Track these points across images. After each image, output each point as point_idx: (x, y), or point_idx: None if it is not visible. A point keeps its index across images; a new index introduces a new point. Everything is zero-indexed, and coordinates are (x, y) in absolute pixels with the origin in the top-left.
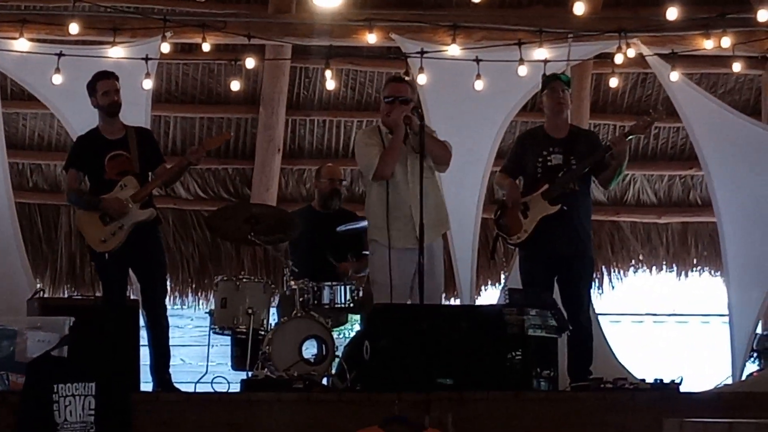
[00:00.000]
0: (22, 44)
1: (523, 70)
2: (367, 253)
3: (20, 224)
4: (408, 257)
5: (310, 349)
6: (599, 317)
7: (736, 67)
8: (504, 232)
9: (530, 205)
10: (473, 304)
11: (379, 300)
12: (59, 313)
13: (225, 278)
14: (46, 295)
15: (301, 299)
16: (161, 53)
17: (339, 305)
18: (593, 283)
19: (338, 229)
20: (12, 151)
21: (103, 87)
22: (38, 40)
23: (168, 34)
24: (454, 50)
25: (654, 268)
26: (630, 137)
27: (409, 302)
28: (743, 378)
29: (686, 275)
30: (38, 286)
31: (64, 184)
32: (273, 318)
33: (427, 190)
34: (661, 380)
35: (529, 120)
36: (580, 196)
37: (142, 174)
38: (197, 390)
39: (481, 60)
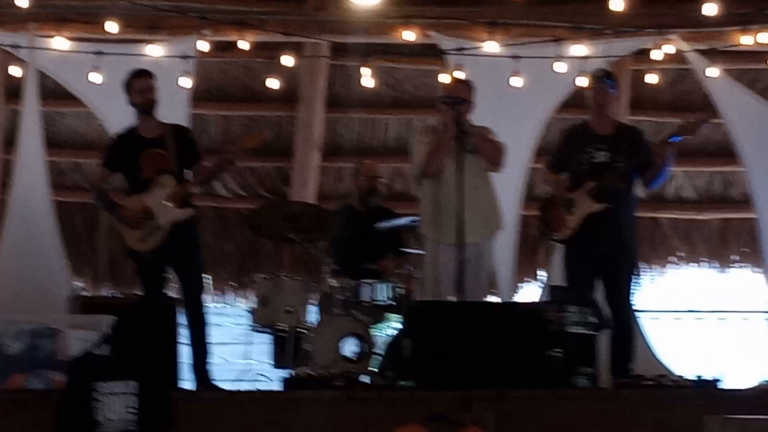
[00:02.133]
0: (60, 43)
1: (560, 67)
2: (406, 250)
3: (60, 223)
4: (455, 253)
5: (349, 347)
6: (639, 314)
7: None
8: (548, 228)
9: (575, 202)
10: (514, 301)
11: (426, 295)
12: (100, 312)
13: (265, 276)
14: (86, 294)
15: (340, 297)
16: (199, 51)
17: (378, 302)
18: (636, 282)
19: (377, 226)
20: (51, 150)
21: (138, 85)
22: (77, 39)
23: (206, 32)
24: (491, 47)
25: (693, 264)
26: (675, 139)
27: (454, 298)
28: None
29: (726, 271)
30: (79, 284)
31: None
32: (313, 316)
33: (479, 189)
34: (702, 377)
35: (568, 116)
36: (625, 194)
37: (179, 172)
38: (238, 388)
39: (518, 57)
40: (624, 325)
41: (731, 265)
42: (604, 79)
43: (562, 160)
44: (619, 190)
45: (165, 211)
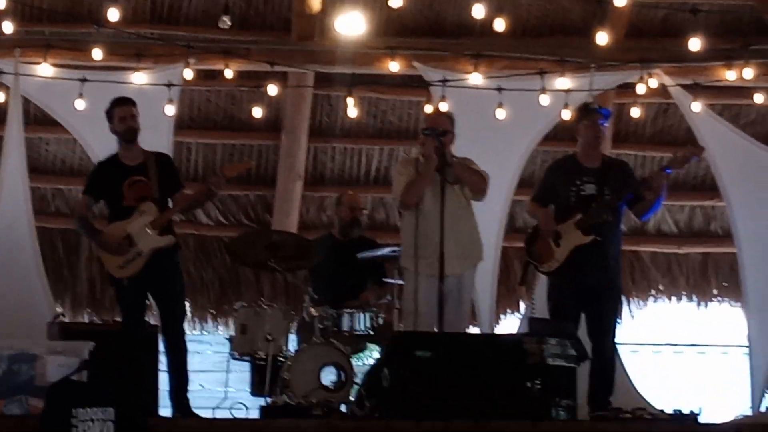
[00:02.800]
0: (45, 69)
1: (545, 100)
2: (387, 280)
3: (41, 249)
4: (436, 285)
5: (329, 376)
6: (619, 346)
7: (759, 98)
8: (535, 260)
9: (563, 233)
10: (493, 333)
11: (407, 326)
12: (79, 338)
13: (245, 304)
14: (66, 320)
15: (320, 326)
16: (184, 79)
17: (358, 332)
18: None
19: (359, 255)
20: (34, 176)
21: (120, 113)
22: (62, 66)
23: (191, 61)
24: (476, 79)
25: (674, 297)
26: (667, 171)
27: (435, 330)
28: (762, 409)
29: (706, 305)
30: (59, 310)
31: None
32: (292, 344)
33: (461, 220)
34: (681, 411)
35: (552, 149)
36: (612, 227)
37: (161, 200)
38: (216, 416)
39: (503, 89)
40: (605, 358)
41: (711, 299)
42: (598, 112)
43: (549, 192)
44: (606, 222)
45: (146, 238)
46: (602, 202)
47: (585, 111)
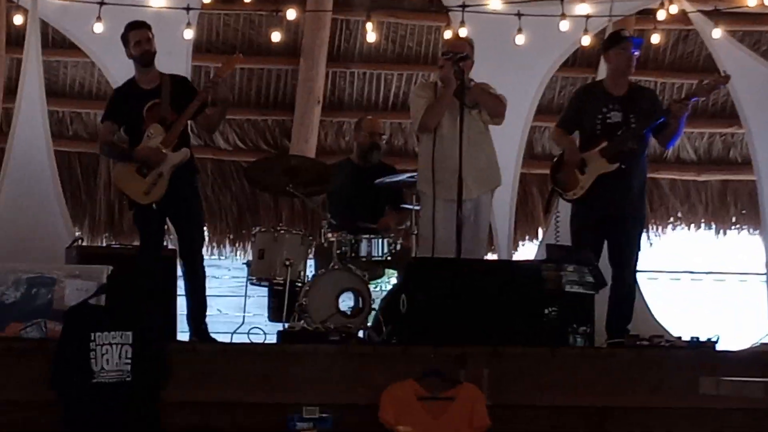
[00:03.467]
0: None
1: (564, 25)
2: (405, 206)
3: (60, 173)
4: (453, 209)
5: (346, 302)
6: (637, 274)
7: None
8: (560, 188)
9: (588, 161)
10: (510, 259)
11: (424, 251)
12: (97, 262)
13: (263, 229)
14: (84, 244)
15: (338, 251)
16: (203, 3)
17: (376, 258)
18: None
19: (376, 182)
20: (52, 99)
21: (135, 37)
22: None
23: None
24: (495, 4)
25: (692, 225)
26: (692, 99)
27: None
28: None
29: (725, 233)
30: (77, 234)
31: None
32: (310, 270)
33: (478, 145)
34: (698, 338)
35: (570, 75)
36: (637, 156)
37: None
38: (233, 341)
39: (522, 14)
40: (625, 286)
41: (730, 226)
42: (630, 40)
43: (575, 119)
44: (632, 151)
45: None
46: (627, 129)
47: (617, 38)
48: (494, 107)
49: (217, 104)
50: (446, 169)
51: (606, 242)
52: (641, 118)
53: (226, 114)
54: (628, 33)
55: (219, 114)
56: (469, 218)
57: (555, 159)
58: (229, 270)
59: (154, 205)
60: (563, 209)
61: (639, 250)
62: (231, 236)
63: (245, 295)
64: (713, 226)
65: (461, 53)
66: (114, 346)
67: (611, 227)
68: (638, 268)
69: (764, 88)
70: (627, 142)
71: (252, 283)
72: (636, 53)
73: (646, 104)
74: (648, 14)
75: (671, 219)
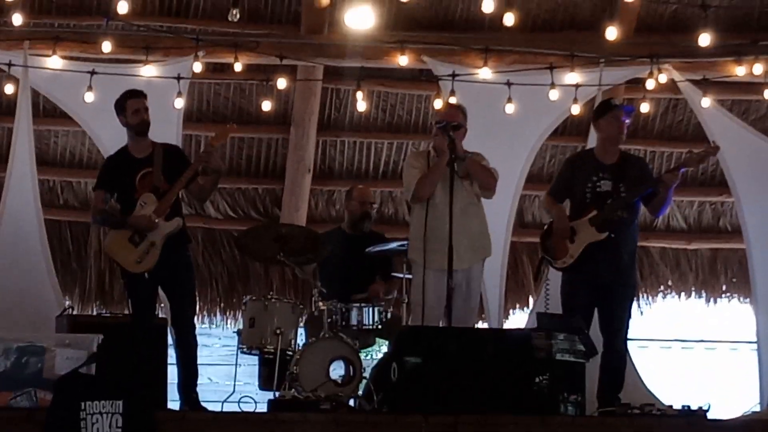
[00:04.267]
0: (55, 62)
1: (554, 94)
2: (395, 275)
3: (50, 241)
4: (444, 278)
5: (337, 370)
6: (627, 342)
7: None
8: (550, 256)
9: (577, 230)
10: (501, 328)
11: (414, 320)
12: (88, 331)
13: (253, 298)
14: (75, 313)
15: (329, 320)
16: (193, 72)
17: (367, 326)
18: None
19: (367, 250)
20: (43, 168)
21: (133, 106)
22: (71, 58)
23: (200, 54)
24: (485, 73)
25: (683, 293)
26: (682, 170)
27: (442, 324)
28: None
29: (715, 301)
30: (67, 303)
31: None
32: (301, 338)
33: (470, 215)
34: (689, 407)
35: (560, 144)
36: (627, 224)
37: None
38: (224, 409)
39: (512, 83)
40: (616, 354)
41: (720, 295)
42: (621, 108)
43: (565, 187)
44: (621, 219)
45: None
46: (617, 199)
47: (608, 107)
48: (485, 181)
49: (209, 174)
50: (438, 239)
51: (597, 310)
52: (631, 187)
53: (218, 183)
54: (619, 101)
55: (211, 183)
56: (460, 287)
57: (545, 227)
58: (220, 338)
59: (146, 275)
60: (553, 277)
61: (630, 318)
62: (222, 305)
63: (236, 364)
64: (703, 295)
65: (453, 122)
66: (104, 415)
67: (602, 296)
68: (629, 336)
69: (753, 156)
70: (617, 211)
71: (243, 352)
72: (627, 121)
73: (635, 173)
74: (637, 83)
75: (661, 287)
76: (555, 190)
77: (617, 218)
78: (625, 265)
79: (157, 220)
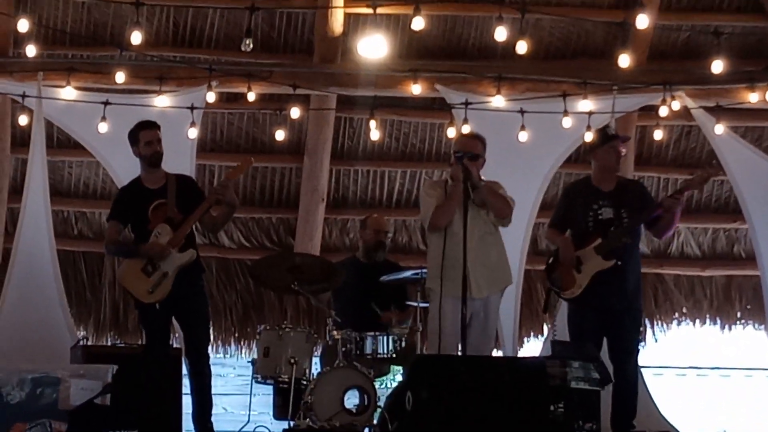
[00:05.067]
0: (68, 92)
1: (567, 122)
2: (410, 303)
3: (64, 272)
4: (461, 308)
5: (352, 400)
6: (642, 369)
7: None
8: (557, 286)
9: (583, 259)
10: (516, 356)
11: (431, 348)
12: (102, 361)
13: (268, 327)
14: (89, 343)
15: (343, 349)
16: (207, 102)
17: (381, 355)
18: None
19: (382, 279)
20: (57, 199)
21: (146, 137)
22: (85, 89)
23: (214, 84)
24: (498, 101)
25: (697, 320)
26: (686, 192)
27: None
28: None
29: (730, 328)
30: (81, 334)
31: None
32: (315, 367)
33: (488, 244)
34: None
35: (574, 171)
36: (631, 249)
37: (182, 219)
38: None
39: (525, 111)
40: (628, 381)
41: (735, 322)
42: (617, 137)
43: (566, 217)
44: (626, 245)
45: (168, 259)
46: (621, 226)
47: (605, 137)
48: (501, 209)
49: (224, 206)
50: (456, 267)
51: (606, 338)
52: (633, 212)
53: (232, 217)
54: (614, 131)
55: (224, 217)
56: (478, 316)
57: (549, 258)
58: (234, 368)
59: (157, 305)
60: (563, 305)
61: (639, 343)
62: (236, 334)
63: (250, 393)
64: (718, 322)
65: (471, 153)
66: None
67: (609, 322)
68: (643, 363)
69: (767, 183)
70: (621, 237)
71: (257, 381)
72: (623, 151)
73: (635, 198)
74: (650, 110)
75: (676, 314)
76: (556, 221)
77: (621, 244)
78: (632, 290)
79: (171, 250)
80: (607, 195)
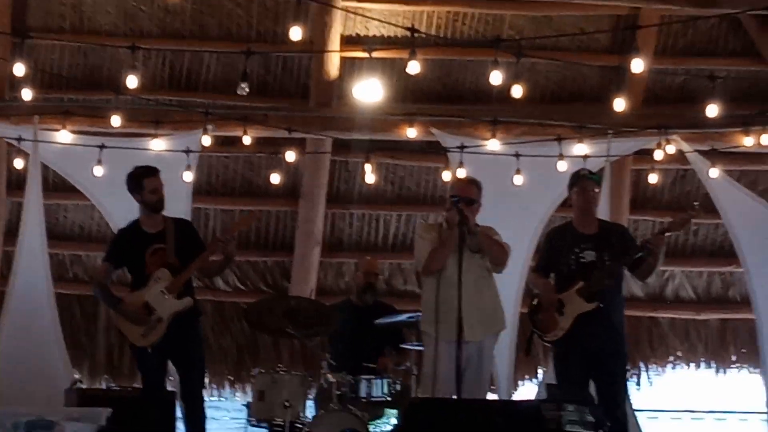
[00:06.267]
0: (64, 136)
1: (562, 166)
2: (404, 346)
3: (60, 315)
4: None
5: None
6: (637, 413)
7: None
8: (539, 329)
9: (565, 302)
10: (511, 399)
11: (425, 391)
12: (97, 404)
13: (262, 370)
14: (84, 386)
15: (338, 392)
16: (202, 146)
17: (376, 398)
18: (628, 379)
19: (377, 322)
20: (52, 242)
21: (151, 185)
22: (81, 132)
23: (209, 127)
24: (494, 145)
25: (692, 364)
26: (667, 234)
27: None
28: None
29: (725, 372)
30: (76, 376)
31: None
32: (310, 411)
33: (482, 289)
34: None
35: (569, 215)
36: (613, 292)
37: (181, 265)
38: None
39: (520, 155)
40: (618, 424)
41: (730, 365)
42: (588, 178)
43: (549, 261)
44: (608, 288)
45: (164, 304)
46: (603, 268)
47: (575, 178)
48: (497, 256)
49: (222, 258)
50: (450, 311)
51: (592, 381)
52: (615, 255)
53: (227, 267)
54: (587, 171)
55: (222, 266)
56: (472, 359)
57: (533, 302)
58: (229, 411)
59: (149, 349)
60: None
61: (626, 386)
62: (231, 377)
63: None
64: (713, 365)
65: (467, 198)
66: None
67: (594, 365)
68: (638, 406)
69: (762, 227)
70: (603, 280)
71: (252, 425)
72: (596, 191)
73: (617, 241)
74: (645, 154)
75: (671, 358)
76: (539, 266)
77: (604, 287)
78: (616, 332)
79: (166, 297)
80: (589, 238)
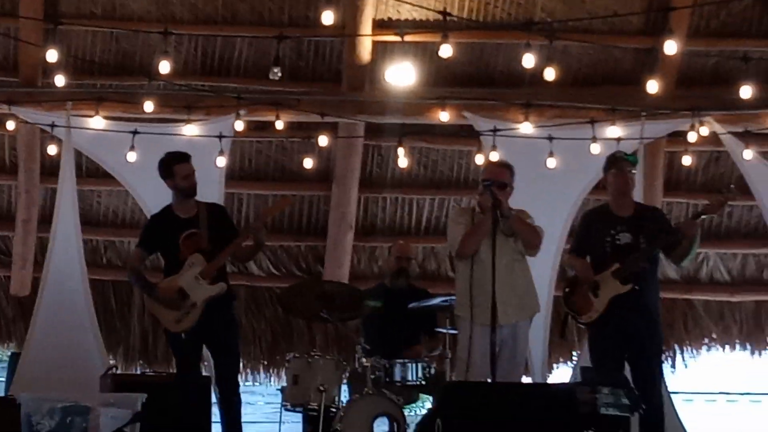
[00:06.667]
0: (97, 122)
1: (595, 148)
2: (438, 330)
3: (94, 301)
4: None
5: (381, 427)
6: (672, 395)
7: None
8: (574, 311)
9: (601, 284)
10: (545, 382)
11: (459, 375)
12: (132, 390)
13: (297, 355)
14: (119, 372)
15: (372, 376)
16: (235, 131)
17: (410, 382)
18: (664, 361)
19: (410, 306)
20: (86, 228)
21: (183, 171)
22: (113, 118)
23: (242, 112)
24: (526, 128)
25: (727, 346)
26: (703, 217)
27: (489, 379)
28: None
29: (760, 354)
30: (111, 362)
31: None
32: (344, 395)
33: (515, 272)
34: None
35: (602, 198)
36: (649, 275)
37: (213, 250)
38: None
39: (553, 138)
40: (654, 406)
41: (765, 347)
42: (625, 160)
43: (585, 243)
44: (643, 270)
45: (197, 289)
46: (639, 251)
47: (612, 160)
48: (530, 239)
49: (254, 244)
50: (484, 294)
51: (628, 363)
52: (651, 238)
53: (258, 254)
54: (623, 153)
55: (254, 252)
56: (507, 342)
57: (567, 283)
58: (264, 396)
59: (183, 335)
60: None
61: (662, 370)
62: (265, 362)
63: (280, 421)
64: (748, 347)
65: (499, 181)
66: None
67: (630, 347)
68: (673, 389)
69: None
70: (638, 263)
71: (286, 409)
72: (633, 172)
73: (653, 224)
74: (679, 136)
75: (706, 340)
76: (575, 247)
77: (639, 269)
78: (651, 315)
79: (200, 282)
80: (625, 220)
